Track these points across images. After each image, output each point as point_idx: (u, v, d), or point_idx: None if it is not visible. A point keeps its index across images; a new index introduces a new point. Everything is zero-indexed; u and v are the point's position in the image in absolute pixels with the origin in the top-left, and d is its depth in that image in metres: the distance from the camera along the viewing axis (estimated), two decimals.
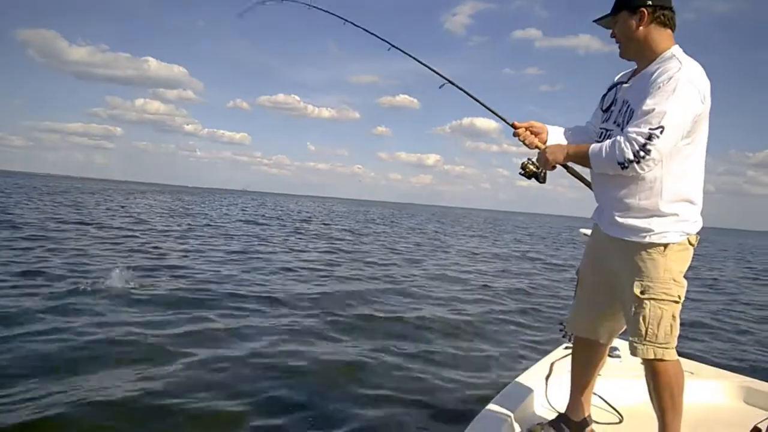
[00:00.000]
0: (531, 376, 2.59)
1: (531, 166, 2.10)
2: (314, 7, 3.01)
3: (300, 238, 16.54)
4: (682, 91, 1.72)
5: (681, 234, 1.86)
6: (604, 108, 2.08)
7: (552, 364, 2.66)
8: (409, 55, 2.68)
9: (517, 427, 2.20)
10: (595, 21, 2.05)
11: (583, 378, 2.24)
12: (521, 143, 2.19)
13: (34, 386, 3.48)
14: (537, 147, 2.15)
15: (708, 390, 2.69)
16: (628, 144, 1.75)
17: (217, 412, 3.34)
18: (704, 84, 1.79)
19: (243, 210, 35.25)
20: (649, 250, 1.87)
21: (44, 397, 3.31)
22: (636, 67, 2.00)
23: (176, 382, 3.74)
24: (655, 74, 1.79)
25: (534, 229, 46.30)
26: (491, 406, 2.25)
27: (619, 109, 1.97)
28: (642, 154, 1.73)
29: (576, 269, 2.28)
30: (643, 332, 1.88)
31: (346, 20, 2.94)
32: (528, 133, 2.18)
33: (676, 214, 1.85)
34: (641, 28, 1.90)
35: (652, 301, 1.87)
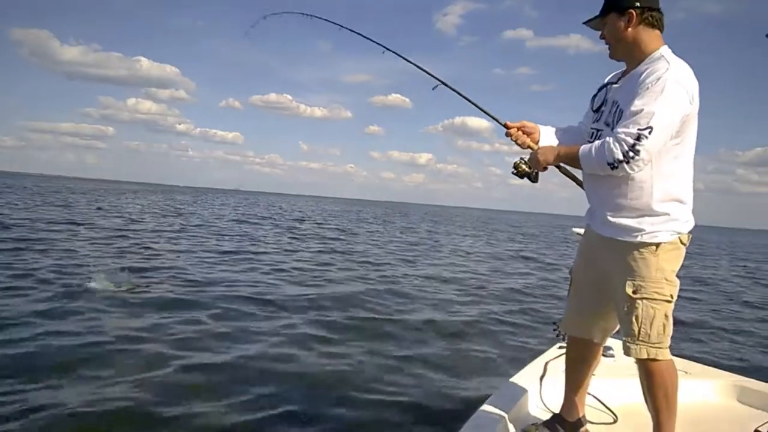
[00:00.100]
0: (525, 376, 2.58)
1: (523, 166, 2.11)
2: (312, 16, 3.06)
3: (293, 238, 16.50)
4: (670, 91, 1.74)
5: (672, 233, 1.87)
6: (594, 108, 2.09)
7: (546, 364, 2.65)
8: (403, 58, 2.69)
9: (511, 427, 2.19)
10: (584, 23, 2.06)
11: (577, 378, 2.24)
12: (513, 143, 2.19)
13: (21, 391, 3.42)
14: (529, 147, 2.15)
15: (702, 389, 2.69)
16: (617, 144, 1.76)
17: (208, 416, 3.29)
18: (692, 84, 1.80)
19: (235, 209, 35.13)
20: (641, 250, 1.88)
21: (31, 404, 3.25)
22: (625, 67, 2.01)
23: (168, 386, 3.70)
24: (644, 75, 1.81)
25: (527, 227, 46.48)
26: (485, 407, 2.25)
27: (609, 109, 1.98)
28: (631, 154, 1.74)
29: (569, 269, 2.29)
30: (636, 332, 1.89)
31: (342, 26, 2.98)
32: (520, 133, 2.18)
33: (667, 214, 1.87)
34: (630, 29, 1.91)
35: (644, 301, 1.87)
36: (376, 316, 6.33)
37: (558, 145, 2.16)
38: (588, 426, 2.24)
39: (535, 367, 2.68)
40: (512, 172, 2.14)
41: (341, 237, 18.75)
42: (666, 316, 1.88)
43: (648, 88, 1.76)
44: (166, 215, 23.36)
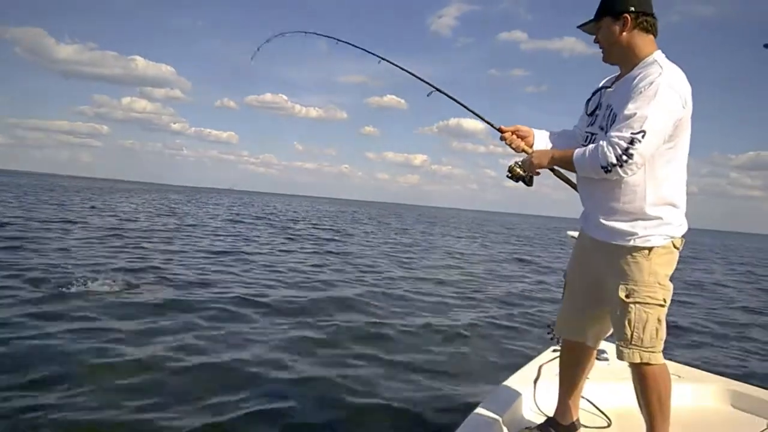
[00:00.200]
0: (519, 380, 2.58)
1: (518, 170, 2.12)
2: (311, 33, 3.21)
3: (287, 239, 16.44)
4: (663, 95, 1.75)
5: (665, 237, 1.88)
6: (589, 112, 2.11)
7: (540, 367, 2.66)
8: (399, 67, 2.73)
9: (505, 430, 2.19)
10: (578, 27, 2.08)
11: (571, 381, 2.24)
12: (508, 147, 2.20)
13: (7, 398, 3.34)
14: (524, 151, 2.17)
15: (696, 394, 2.70)
16: (610, 148, 1.78)
17: (199, 421, 3.24)
18: (685, 89, 1.82)
19: (229, 209, 35.02)
20: (634, 254, 1.89)
21: (17, 407, 3.20)
22: (620, 72, 2.03)
23: (158, 390, 3.63)
24: (637, 79, 1.82)
25: (522, 229, 46.58)
26: (479, 410, 2.24)
27: (603, 113, 1.99)
28: (624, 158, 1.75)
29: (564, 272, 2.29)
30: (629, 336, 1.89)
31: (339, 40, 3.14)
32: (514, 137, 2.20)
33: (660, 218, 1.88)
34: (624, 33, 1.93)
35: (637, 305, 1.88)
36: (370, 319, 6.27)
37: (552, 148, 2.18)
38: (582, 429, 2.25)
39: (529, 370, 2.69)
40: (507, 176, 2.15)
41: (336, 238, 18.72)
42: (659, 320, 1.89)
43: (641, 92, 1.78)
44: (160, 214, 23.26)
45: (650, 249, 1.88)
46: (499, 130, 2.24)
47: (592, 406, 2.42)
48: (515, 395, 2.43)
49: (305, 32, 3.19)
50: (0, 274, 6.92)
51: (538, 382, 2.50)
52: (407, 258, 13.80)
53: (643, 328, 1.87)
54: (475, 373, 4.63)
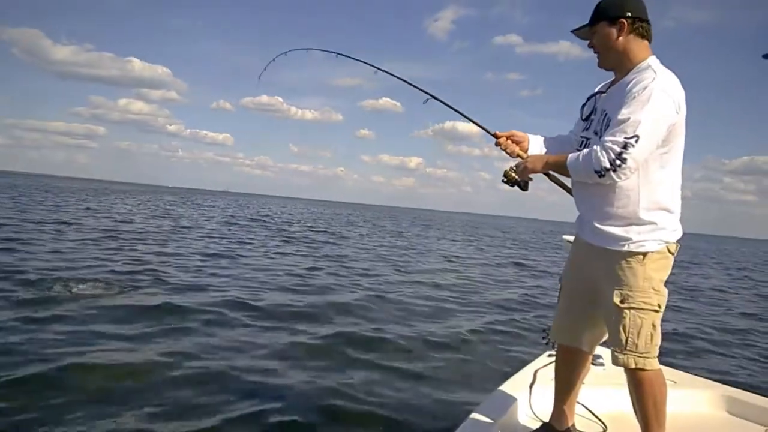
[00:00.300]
0: (514, 385, 2.57)
1: (513, 174, 2.14)
2: (311, 49, 3.32)
3: (281, 242, 16.41)
4: (656, 100, 1.76)
5: (659, 243, 1.89)
6: (584, 117, 2.12)
7: (535, 372, 2.65)
8: (395, 77, 2.76)
9: None
10: (572, 31, 2.08)
11: (566, 386, 2.24)
12: (503, 152, 2.22)
13: None
14: (519, 156, 2.19)
15: (692, 400, 2.70)
16: (604, 153, 1.79)
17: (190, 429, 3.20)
18: (679, 93, 1.83)
19: (224, 211, 34.96)
20: (628, 259, 1.89)
21: (4, 419, 3.13)
22: (614, 77, 2.03)
23: (150, 399, 3.55)
24: (631, 84, 1.84)
25: (517, 233, 46.67)
26: (474, 416, 2.23)
27: (598, 118, 2.00)
28: (618, 162, 1.76)
29: (559, 276, 2.29)
30: (624, 341, 1.89)
31: (338, 53, 3.18)
32: (509, 142, 2.22)
33: (654, 223, 1.88)
34: (621, 38, 1.94)
35: (631, 311, 1.88)
36: (366, 324, 6.23)
37: (546, 153, 2.19)
38: None
39: (524, 375, 2.68)
40: (503, 181, 2.17)
41: (331, 240, 18.69)
42: (653, 325, 1.89)
43: (635, 97, 1.79)
44: (155, 216, 23.18)
45: (645, 254, 1.88)
46: (494, 136, 2.26)
47: (587, 411, 2.41)
48: (511, 400, 2.42)
49: (307, 49, 3.32)
50: None
51: (534, 387, 2.49)
52: (403, 261, 13.79)
53: (638, 333, 1.87)
54: (471, 379, 4.60)
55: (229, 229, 19.45)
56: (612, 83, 2.03)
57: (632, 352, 1.88)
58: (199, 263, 9.95)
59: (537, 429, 2.26)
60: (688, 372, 3.09)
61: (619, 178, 1.80)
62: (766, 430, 2.40)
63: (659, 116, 1.77)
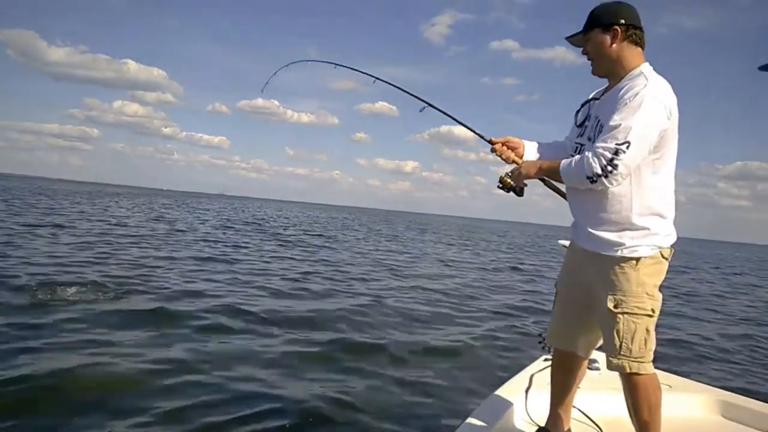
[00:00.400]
0: (510, 389, 2.58)
1: (508, 180, 2.16)
2: (312, 61, 3.46)
3: (277, 245, 16.37)
4: (647, 106, 1.78)
5: (652, 248, 1.90)
6: (578, 123, 2.14)
7: (531, 377, 2.65)
8: (393, 85, 2.80)
9: None
10: (566, 38, 2.10)
11: (562, 391, 2.24)
12: (498, 158, 2.24)
13: None
14: (514, 161, 2.21)
15: (687, 404, 2.71)
16: (595, 159, 1.81)
17: None
18: (670, 99, 1.84)
19: (219, 214, 34.86)
20: (622, 264, 1.91)
21: None
22: (608, 83, 2.05)
23: (141, 409, 3.48)
24: (623, 90, 1.86)
25: (512, 237, 46.76)
26: (471, 420, 2.24)
27: (592, 124, 2.02)
28: (609, 168, 1.78)
29: (555, 281, 2.30)
30: (618, 346, 1.91)
31: (337, 64, 3.21)
32: (504, 148, 2.24)
33: (647, 228, 1.89)
34: (614, 45, 1.96)
35: (625, 315, 1.90)
36: (361, 330, 6.17)
37: (540, 159, 2.21)
38: None
39: (520, 379, 2.68)
40: (498, 186, 2.19)
41: (326, 245, 18.65)
42: (647, 330, 1.90)
43: (626, 103, 1.81)
44: (149, 219, 23.07)
45: (638, 259, 1.90)
46: (490, 142, 2.28)
47: (583, 415, 2.41)
48: (507, 405, 2.42)
49: (308, 60, 3.47)
50: None
51: (530, 391, 2.49)
52: (398, 266, 13.76)
53: (632, 338, 1.89)
54: (468, 386, 4.56)
55: (224, 233, 19.37)
56: (606, 90, 2.05)
57: (626, 356, 1.90)
58: (193, 267, 9.89)
59: None
60: (683, 376, 3.10)
61: (611, 184, 1.82)
62: None
63: (650, 122, 1.79)
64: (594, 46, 2.00)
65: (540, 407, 2.35)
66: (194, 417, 3.45)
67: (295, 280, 9.59)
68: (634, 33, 1.95)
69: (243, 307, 6.71)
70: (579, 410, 2.40)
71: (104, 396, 3.67)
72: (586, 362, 2.27)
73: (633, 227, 1.89)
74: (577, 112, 2.16)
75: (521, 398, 2.46)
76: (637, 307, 1.89)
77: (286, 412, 3.63)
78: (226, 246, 14.56)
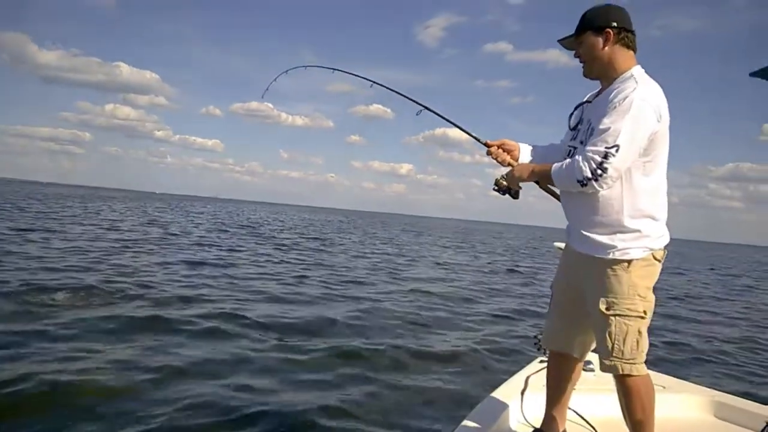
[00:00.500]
0: (506, 391, 2.58)
1: (503, 182, 2.18)
2: (310, 66, 3.46)
3: (272, 249, 16.31)
4: (636, 110, 1.79)
5: (644, 250, 1.91)
6: (571, 126, 2.15)
7: (527, 378, 2.66)
8: (391, 89, 2.81)
9: None
10: (558, 41, 2.12)
11: (558, 392, 2.25)
12: (494, 161, 2.25)
13: None
14: (509, 164, 2.22)
15: (680, 404, 2.72)
16: (585, 162, 1.82)
17: None
18: (660, 102, 1.86)
19: (213, 218, 34.75)
20: (614, 267, 1.92)
21: None
22: (600, 86, 2.06)
23: (132, 418, 3.42)
24: (613, 94, 1.87)
25: (508, 239, 46.84)
26: (466, 423, 2.24)
27: (584, 127, 2.03)
28: (599, 172, 1.79)
29: (551, 283, 2.31)
30: (610, 348, 1.92)
31: (335, 69, 3.21)
32: (500, 151, 2.25)
33: (639, 231, 1.90)
34: (606, 48, 1.97)
35: (617, 317, 1.90)
36: (357, 336, 6.11)
37: (532, 161, 2.22)
38: None
39: (516, 381, 2.68)
40: (493, 189, 2.21)
41: (322, 248, 18.63)
42: (639, 332, 1.91)
43: (615, 107, 1.82)
44: (142, 223, 22.96)
45: (629, 261, 1.90)
46: (485, 145, 2.29)
47: (578, 416, 2.42)
48: (502, 407, 2.43)
49: (306, 66, 3.46)
50: None
51: (525, 393, 2.50)
52: (394, 269, 13.74)
53: (624, 340, 1.90)
54: (465, 389, 4.54)
55: (219, 237, 19.30)
56: (598, 93, 2.06)
57: (618, 358, 1.91)
58: (187, 272, 9.82)
59: None
60: (677, 377, 3.11)
61: (601, 187, 1.83)
62: None
63: (640, 125, 1.80)
64: (586, 48, 2.01)
65: (535, 409, 2.36)
66: (188, 424, 3.42)
67: (291, 284, 9.55)
68: (626, 36, 1.96)
69: (238, 312, 6.65)
70: (574, 411, 2.40)
71: (96, 402, 3.62)
72: (581, 364, 2.27)
73: (624, 230, 1.90)
74: (571, 115, 2.17)
75: (517, 400, 2.46)
76: (629, 309, 1.90)
77: (282, 419, 3.59)
78: (220, 250, 14.50)
